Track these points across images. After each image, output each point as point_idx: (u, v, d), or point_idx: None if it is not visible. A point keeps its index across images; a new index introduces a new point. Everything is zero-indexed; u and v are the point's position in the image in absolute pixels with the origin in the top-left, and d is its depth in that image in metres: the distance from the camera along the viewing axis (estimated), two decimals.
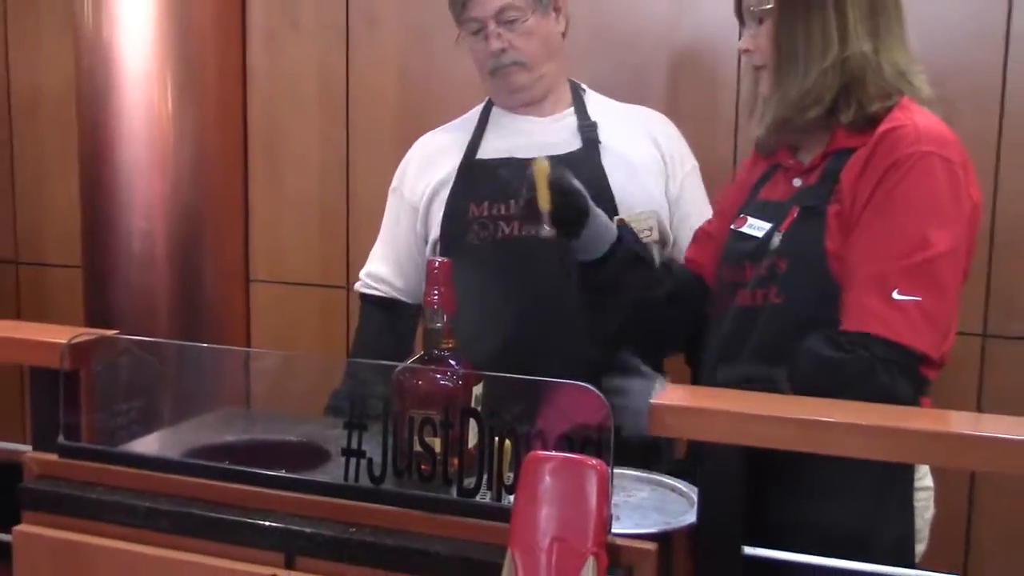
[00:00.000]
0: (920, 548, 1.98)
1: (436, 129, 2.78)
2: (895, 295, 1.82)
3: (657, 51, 3.32)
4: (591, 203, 2.19)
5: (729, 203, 2.21)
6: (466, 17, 2.51)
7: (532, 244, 2.37)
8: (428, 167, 2.65)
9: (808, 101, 1.96)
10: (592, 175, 2.44)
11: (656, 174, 2.55)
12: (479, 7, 2.48)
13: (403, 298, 2.70)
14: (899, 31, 1.99)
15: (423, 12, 3.58)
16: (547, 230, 2.11)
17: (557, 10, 2.56)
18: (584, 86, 2.68)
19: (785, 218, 2.01)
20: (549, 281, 2.43)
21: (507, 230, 2.47)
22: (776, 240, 2.01)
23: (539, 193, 2.14)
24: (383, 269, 2.72)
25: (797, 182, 2.05)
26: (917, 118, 1.90)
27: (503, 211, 2.47)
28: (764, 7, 2.00)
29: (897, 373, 1.82)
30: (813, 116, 1.97)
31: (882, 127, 1.90)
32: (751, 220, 2.09)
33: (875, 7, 1.96)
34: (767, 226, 2.04)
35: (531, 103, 2.59)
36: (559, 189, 2.11)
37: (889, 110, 1.93)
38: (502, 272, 2.41)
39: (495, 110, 2.67)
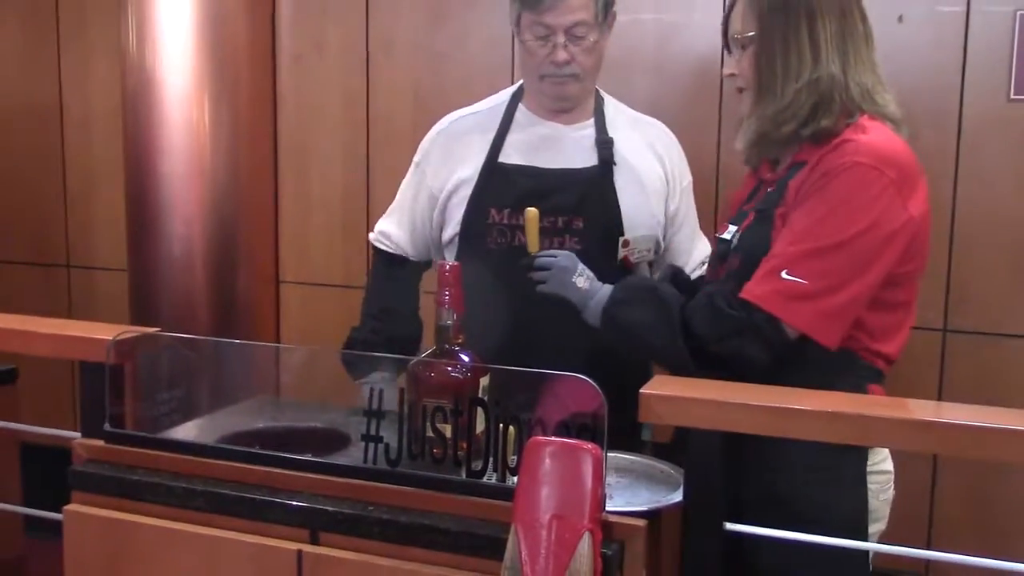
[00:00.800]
0: (880, 527, 1.97)
1: (463, 112, 2.59)
2: (783, 274, 1.84)
3: (644, 73, 3.32)
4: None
5: (724, 221, 2.21)
6: (537, 22, 2.32)
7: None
8: (452, 157, 2.51)
9: (783, 118, 1.96)
10: (604, 195, 2.40)
11: (659, 193, 2.48)
12: (555, 16, 2.30)
13: (412, 258, 2.63)
14: (867, 54, 1.99)
15: (436, 39, 3.58)
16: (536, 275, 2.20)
17: (610, 26, 2.42)
18: (604, 94, 2.55)
19: (744, 221, 2.04)
20: None
21: (523, 238, 2.35)
22: (735, 240, 2.04)
23: (528, 239, 2.23)
24: (398, 233, 2.61)
25: (769, 191, 2.04)
26: (863, 135, 1.90)
27: (521, 220, 2.36)
28: (747, 34, 2.00)
29: (757, 339, 1.86)
30: (787, 131, 1.96)
31: (833, 142, 1.91)
32: (729, 227, 2.10)
33: (844, 32, 1.96)
34: (735, 229, 2.07)
35: (566, 111, 2.47)
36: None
37: (847, 125, 1.93)
38: (515, 278, 2.30)
39: (521, 108, 2.51)
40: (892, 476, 2.00)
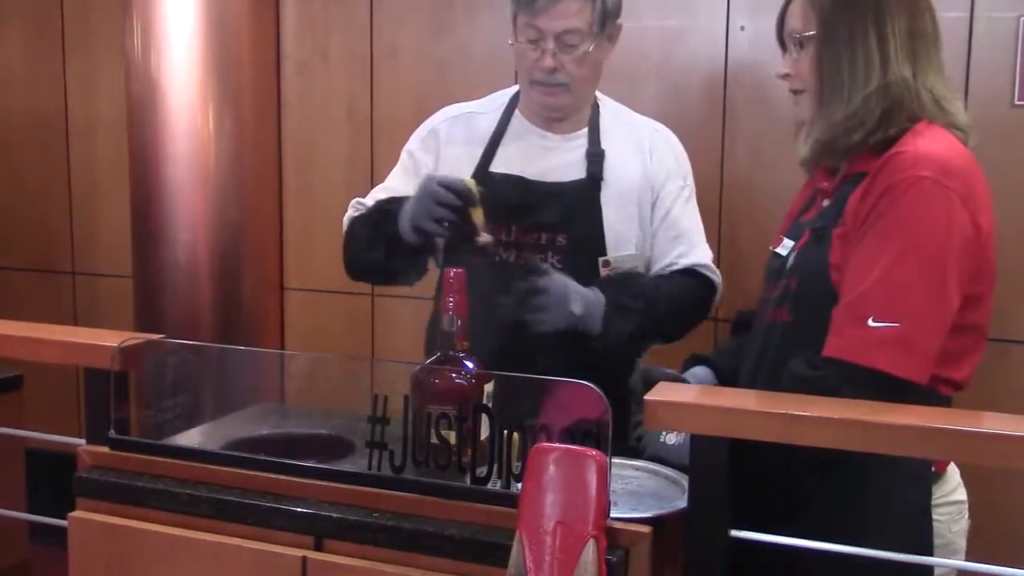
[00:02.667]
0: (956, 560, 1.89)
1: (463, 111, 2.51)
2: (871, 322, 1.71)
3: (648, 79, 3.32)
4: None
5: (780, 231, 2.09)
6: (529, 24, 2.27)
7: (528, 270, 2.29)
8: (446, 160, 2.42)
9: (853, 124, 1.84)
10: (589, 213, 2.34)
11: (646, 203, 2.40)
12: (545, 20, 2.24)
13: None
14: (936, 57, 1.87)
15: (439, 45, 3.59)
16: (484, 237, 2.13)
17: (611, 40, 2.35)
18: (600, 99, 2.47)
19: (801, 239, 1.93)
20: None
21: (505, 255, 2.34)
22: (791, 260, 1.93)
23: (473, 210, 2.16)
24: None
25: (825, 203, 1.94)
26: (921, 143, 1.78)
27: (505, 235, 2.33)
28: (807, 33, 1.89)
29: (873, 395, 1.68)
30: (856, 140, 1.84)
31: (888, 152, 1.79)
32: (784, 240, 2.00)
33: (914, 32, 1.84)
34: (791, 245, 1.96)
35: (558, 120, 2.40)
36: None
37: (904, 133, 1.81)
38: (498, 292, 2.26)
39: (517, 116, 2.44)
40: (966, 505, 1.92)
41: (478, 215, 2.13)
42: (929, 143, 1.78)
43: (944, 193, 1.73)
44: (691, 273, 2.44)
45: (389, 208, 2.28)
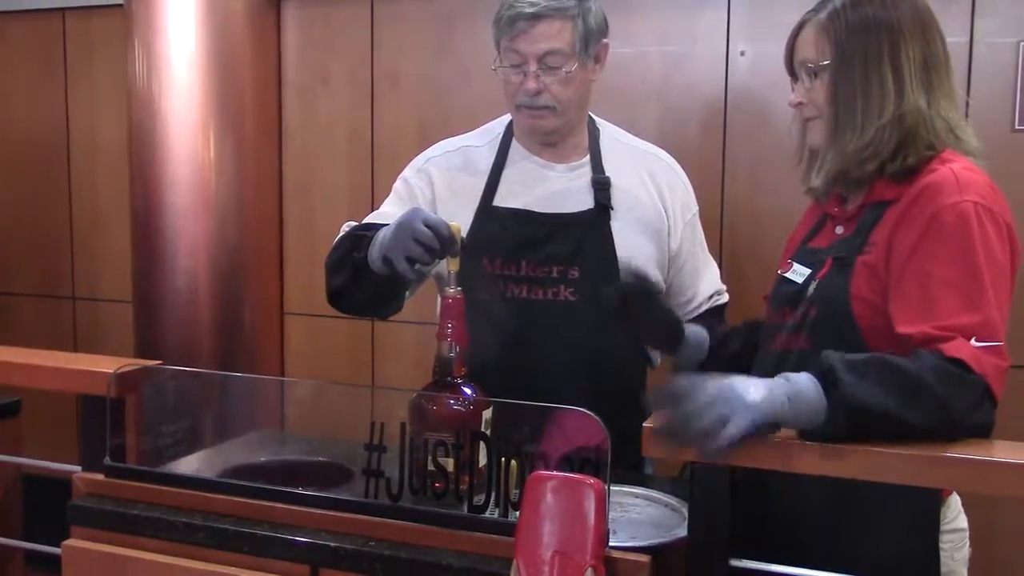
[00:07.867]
0: None
1: (459, 144, 2.45)
2: (974, 342, 1.64)
3: (649, 105, 3.31)
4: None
5: (784, 258, 2.05)
6: (510, 48, 2.25)
7: (539, 305, 2.28)
8: (442, 200, 2.37)
9: (866, 155, 1.81)
10: (601, 243, 2.30)
11: (659, 232, 2.36)
12: (525, 43, 2.22)
13: None
14: (948, 84, 1.86)
15: (440, 71, 3.59)
16: (452, 290, 1.93)
17: (598, 60, 2.31)
18: (599, 124, 2.43)
19: (822, 267, 1.89)
20: (553, 340, 2.28)
21: (516, 291, 2.30)
22: (811, 288, 1.89)
23: (451, 259, 1.98)
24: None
25: (839, 230, 1.92)
26: (957, 169, 1.76)
27: (514, 271, 2.30)
28: (822, 63, 1.85)
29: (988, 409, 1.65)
30: (870, 170, 1.82)
31: (921, 180, 1.77)
32: (795, 266, 1.97)
33: (928, 61, 1.83)
34: (807, 272, 1.93)
35: (551, 144, 2.36)
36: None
37: (929, 160, 1.79)
38: (507, 329, 2.24)
39: (515, 146, 2.40)
40: (967, 533, 1.90)
41: (454, 265, 1.96)
42: (965, 170, 1.77)
43: (993, 217, 1.73)
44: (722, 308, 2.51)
45: (363, 234, 2.16)
